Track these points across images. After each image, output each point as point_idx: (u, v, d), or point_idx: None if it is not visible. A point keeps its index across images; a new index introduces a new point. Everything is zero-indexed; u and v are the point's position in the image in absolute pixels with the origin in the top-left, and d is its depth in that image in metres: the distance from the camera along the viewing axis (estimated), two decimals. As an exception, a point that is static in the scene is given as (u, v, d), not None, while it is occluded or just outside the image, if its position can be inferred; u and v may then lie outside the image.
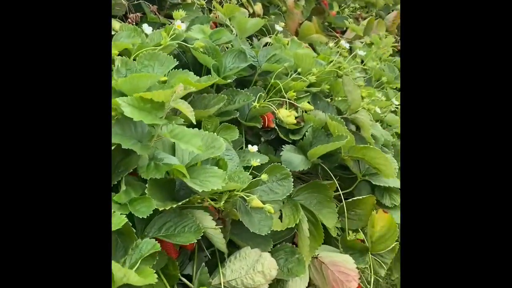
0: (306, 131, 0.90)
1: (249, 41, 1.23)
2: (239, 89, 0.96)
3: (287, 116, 0.89)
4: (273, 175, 0.77)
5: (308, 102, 1.01)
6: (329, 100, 1.10)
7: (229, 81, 0.92)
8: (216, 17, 1.19)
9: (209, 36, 1.00)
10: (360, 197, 0.97)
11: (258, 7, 1.48)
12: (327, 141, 0.90)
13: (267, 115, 0.95)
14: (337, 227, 0.97)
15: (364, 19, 2.39)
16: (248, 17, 1.37)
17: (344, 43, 1.07)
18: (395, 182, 1.04)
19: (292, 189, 0.77)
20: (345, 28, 2.14)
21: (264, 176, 0.69)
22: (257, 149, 0.92)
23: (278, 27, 1.14)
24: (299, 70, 1.01)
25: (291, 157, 0.85)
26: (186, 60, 1.05)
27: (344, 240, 0.92)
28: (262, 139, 0.95)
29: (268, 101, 0.97)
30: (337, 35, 2.21)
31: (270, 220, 0.71)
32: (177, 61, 1.09)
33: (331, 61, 1.10)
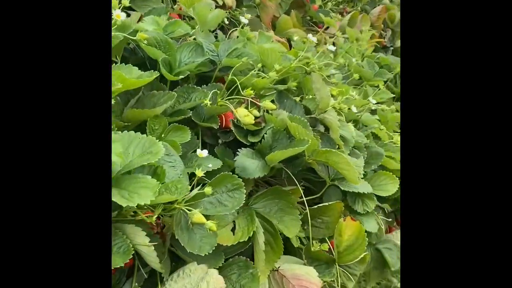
0: (265, 133, 0.82)
1: (216, 34, 1.15)
2: (195, 86, 0.88)
3: (244, 116, 0.81)
4: (223, 185, 0.69)
5: (273, 101, 0.94)
6: (298, 98, 1.02)
7: (181, 77, 0.84)
8: (180, 9, 1.11)
9: (163, 28, 0.92)
10: (327, 204, 0.89)
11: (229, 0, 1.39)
12: (288, 144, 0.82)
13: (226, 115, 0.87)
14: (303, 236, 0.89)
15: (350, 13, 2.31)
16: (215, 8, 1.29)
17: (311, 37, 0.99)
18: (366, 187, 0.96)
19: (244, 201, 0.69)
20: (328, 23, 2.06)
21: (207, 190, 0.62)
22: (215, 151, 0.84)
23: (244, 19, 1.06)
24: (259, 65, 0.92)
25: (246, 162, 0.77)
26: (143, 54, 0.96)
27: (308, 250, 0.85)
28: (220, 141, 0.87)
29: (228, 99, 0.89)
30: (319, 30, 2.13)
31: (214, 237, 0.64)
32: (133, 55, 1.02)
33: (299, 57, 1.02)
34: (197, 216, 0.60)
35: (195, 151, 0.83)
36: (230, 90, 0.91)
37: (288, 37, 1.71)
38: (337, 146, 0.95)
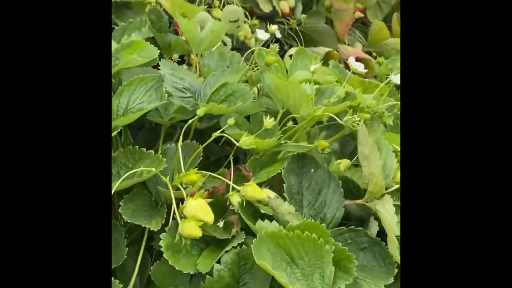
0: (217, 261, 0.42)
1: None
2: (143, 149, 0.53)
3: (185, 223, 0.43)
4: None
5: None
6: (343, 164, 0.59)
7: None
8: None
9: (113, 53, 0.59)
10: None
11: (284, 5, 1.01)
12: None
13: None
14: None
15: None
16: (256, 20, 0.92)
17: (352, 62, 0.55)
18: None
19: None
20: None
21: None
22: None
23: (261, 34, 0.67)
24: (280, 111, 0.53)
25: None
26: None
27: None
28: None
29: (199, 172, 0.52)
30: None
31: None
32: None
33: (348, 94, 0.59)
34: None
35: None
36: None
37: (382, 50, 1.25)
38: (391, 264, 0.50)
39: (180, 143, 0.49)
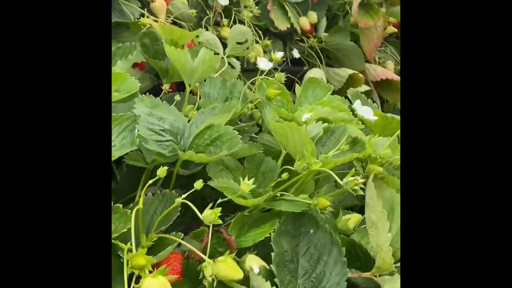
0: None
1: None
2: (117, 205, 0.46)
3: None
4: None
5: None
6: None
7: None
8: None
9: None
10: None
11: (305, 21, 0.91)
12: None
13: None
14: None
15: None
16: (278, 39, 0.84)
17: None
18: None
19: None
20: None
21: None
22: None
23: (263, 63, 0.58)
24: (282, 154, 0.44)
25: None
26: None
27: None
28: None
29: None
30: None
31: None
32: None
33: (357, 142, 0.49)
34: None
35: None
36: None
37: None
38: None
39: (141, 199, 0.40)
